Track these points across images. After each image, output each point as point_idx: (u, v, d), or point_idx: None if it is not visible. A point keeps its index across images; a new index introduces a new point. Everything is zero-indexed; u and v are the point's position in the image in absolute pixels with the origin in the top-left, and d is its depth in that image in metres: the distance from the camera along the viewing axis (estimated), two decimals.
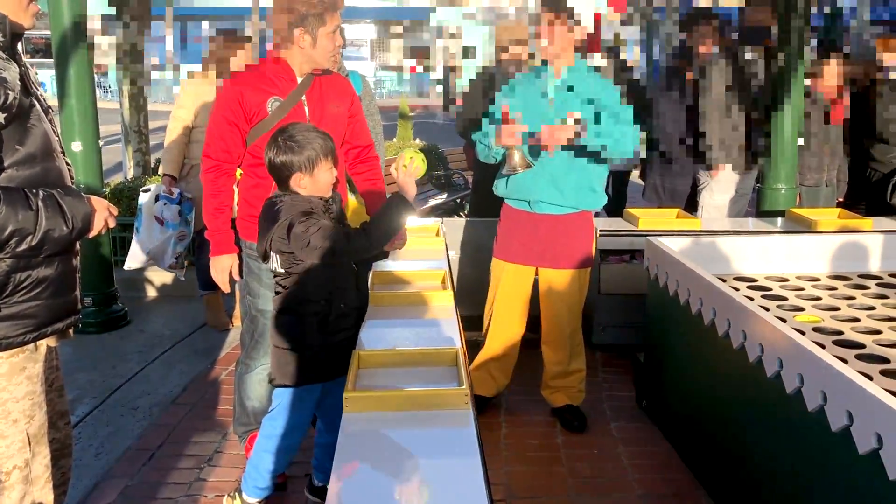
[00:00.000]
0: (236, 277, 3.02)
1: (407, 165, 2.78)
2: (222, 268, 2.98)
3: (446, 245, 3.83)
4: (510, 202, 3.65)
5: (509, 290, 3.69)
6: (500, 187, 3.64)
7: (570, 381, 3.72)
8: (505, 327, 3.75)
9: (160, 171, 5.21)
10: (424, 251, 3.67)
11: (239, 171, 3.01)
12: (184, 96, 4.69)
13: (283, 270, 2.59)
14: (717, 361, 3.00)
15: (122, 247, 5.63)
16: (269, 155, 2.55)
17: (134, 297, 5.58)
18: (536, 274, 3.68)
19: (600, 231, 4.62)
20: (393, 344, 2.53)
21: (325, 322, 2.60)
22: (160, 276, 5.70)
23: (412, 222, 4.62)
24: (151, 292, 5.77)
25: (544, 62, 3.53)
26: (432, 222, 4.34)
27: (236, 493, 2.81)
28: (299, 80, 2.90)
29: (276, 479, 2.79)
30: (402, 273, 3.24)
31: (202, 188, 2.97)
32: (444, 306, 2.92)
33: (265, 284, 2.94)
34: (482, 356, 3.80)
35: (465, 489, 1.73)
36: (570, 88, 3.45)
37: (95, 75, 5.23)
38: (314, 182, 2.55)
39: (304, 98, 2.90)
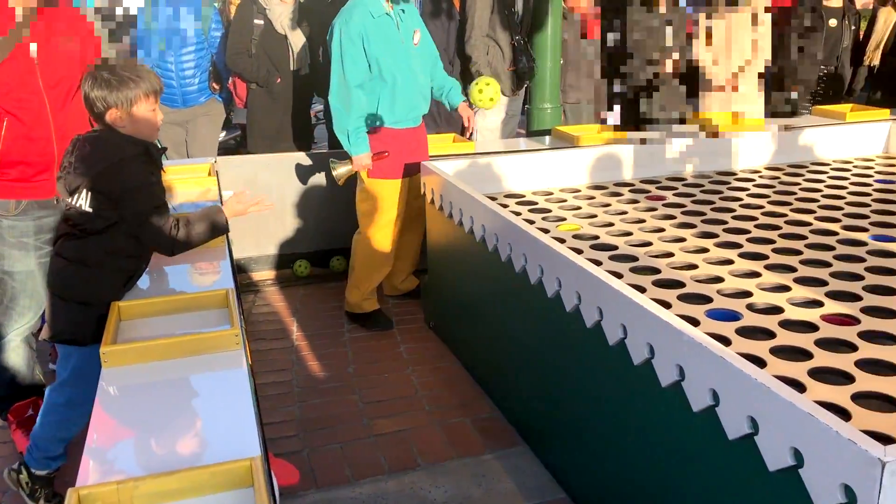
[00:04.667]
0: None
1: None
2: None
3: (219, 185, 3.67)
4: (397, 125, 3.83)
5: (402, 203, 3.96)
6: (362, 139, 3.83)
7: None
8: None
9: None
10: (196, 192, 3.50)
11: None
12: None
13: (89, 210, 2.33)
14: (490, 276, 3.14)
15: None
16: (85, 88, 2.30)
17: None
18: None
19: (330, 159, 4.63)
20: (160, 292, 2.40)
21: (130, 280, 2.40)
22: None
23: (182, 162, 4.40)
24: None
25: None
26: (204, 161, 4.13)
27: (21, 467, 2.58)
28: (20, 15, 2.59)
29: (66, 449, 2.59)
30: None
31: None
32: (216, 248, 2.81)
33: (9, 243, 2.67)
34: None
35: (236, 432, 1.69)
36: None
37: None
38: (132, 121, 2.33)
39: (27, 34, 2.60)
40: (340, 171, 3.92)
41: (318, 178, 4.78)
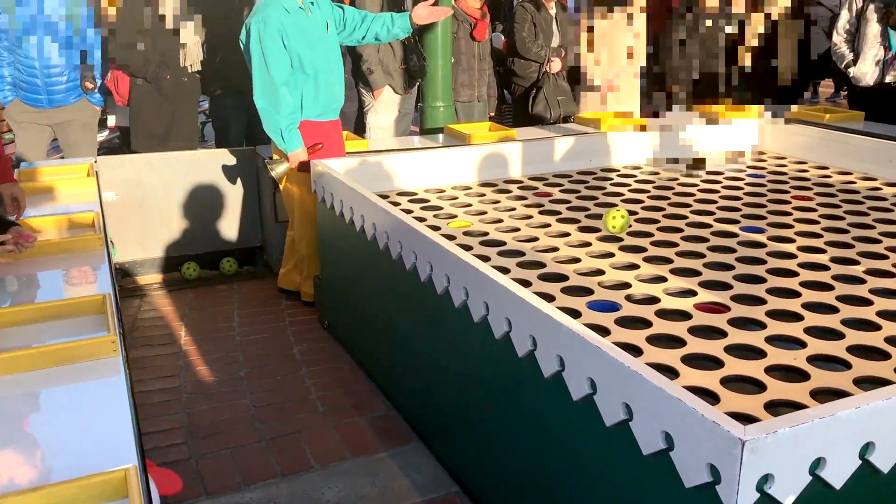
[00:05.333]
0: None
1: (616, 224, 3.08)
2: None
3: (99, 186, 3.53)
4: (321, 118, 3.87)
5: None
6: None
7: None
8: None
9: None
10: (74, 194, 3.36)
11: None
12: None
13: None
14: (382, 274, 3.14)
15: None
16: None
17: None
18: None
19: (275, 158, 4.56)
20: (32, 299, 2.29)
21: None
22: None
23: (59, 162, 4.20)
24: None
25: None
26: (83, 161, 3.96)
27: None
28: None
29: None
30: (45, 220, 2.93)
31: None
32: (93, 251, 2.70)
33: None
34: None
35: (111, 442, 1.63)
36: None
37: None
38: None
39: None
40: (279, 170, 3.91)
41: (207, 178, 4.66)
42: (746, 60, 6.41)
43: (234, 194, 4.73)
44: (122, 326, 2.21)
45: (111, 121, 5.32)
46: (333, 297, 3.83)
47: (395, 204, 3.56)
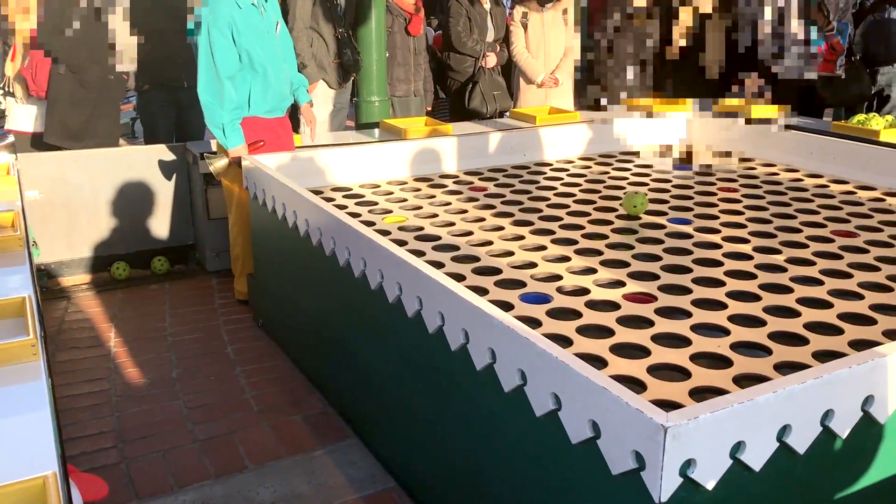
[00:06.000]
0: None
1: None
2: None
3: (20, 184, 3.40)
4: (268, 115, 3.84)
5: None
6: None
7: None
8: None
9: None
10: None
11: None
12: None
13: None
14: (316, 271, 3.12)
15: None
16: None
17: None
18: None
19: (202, 154, 4.48)
20: None
21: None
22: None
23: None
24: None
25: None
26: (1, 159, 3.81)
27: None
28: None
29: None
30: None
31: None
32: (12, 252, 2.60)
33: None
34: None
35: (30, 450, 1.58)
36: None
37: None
38: None
39: None
40: (218, 165, 3.84)
41: (136, 175, 4.55)
42: (675, 55, 6.55)
43: (164, 191, 4.62)
44: (43, 329, 2.14)
45: (11, 121, 4.94)
46: (268, 294, 3.79)
47: (329, 200, 3.53)
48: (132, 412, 3.11)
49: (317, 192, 3.52)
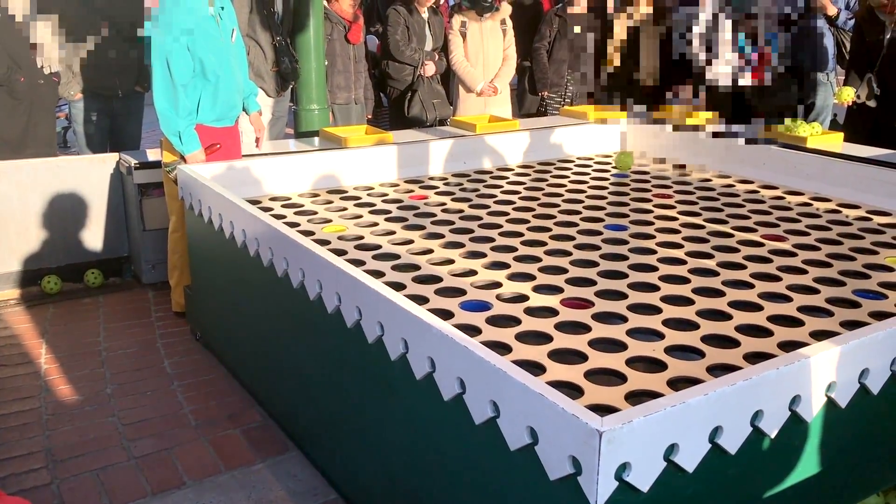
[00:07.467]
0: None
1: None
2: None
3: None
4: (217, 124, 3.81)
5: None
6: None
7: None
8: None
9: None
10: None
11: None
12: None
13: None
14: (254, 282, 3.07)
15: None
16: None
17: None
18: None
19: (138, 164, 4.39)
20: None
21: None
22: None
23: None
24: None
25: None
26: None
27: None
28: None
29: None
30: None
31: None
32: None
33: None
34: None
35: None
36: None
37: None
38: None
39: None
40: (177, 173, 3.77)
41: (67, 186, 4.42)
42: (616, 62, 6.68)
43: (97, 202, 4.51)
44: None
45: None
46: (205, 306, 3.72)
47: (267, 209, 3.49)
48: (64, 431, 3.02)
49: (255, 202, 3.48)
